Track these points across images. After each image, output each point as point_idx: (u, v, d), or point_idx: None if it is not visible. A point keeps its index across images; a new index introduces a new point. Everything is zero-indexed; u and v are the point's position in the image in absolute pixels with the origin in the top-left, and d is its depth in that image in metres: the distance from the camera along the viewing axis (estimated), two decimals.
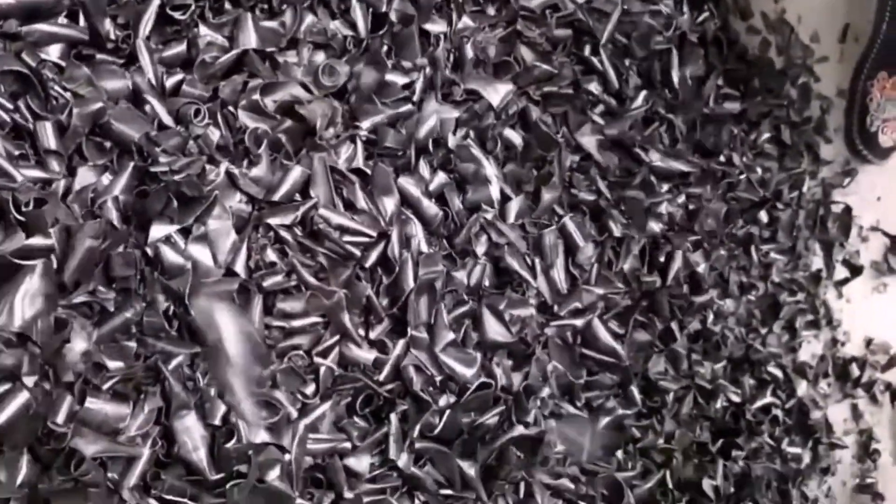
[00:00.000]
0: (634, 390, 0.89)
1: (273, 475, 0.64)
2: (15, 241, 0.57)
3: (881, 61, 1.27)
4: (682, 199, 0.97)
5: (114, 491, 0.61)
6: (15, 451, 0.58)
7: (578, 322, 0.83)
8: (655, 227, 0.90)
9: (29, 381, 0.58)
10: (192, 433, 0.62)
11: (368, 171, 0.73)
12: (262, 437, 0.64)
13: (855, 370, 1.30)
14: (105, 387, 0.61)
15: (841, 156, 1.29)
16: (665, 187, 0.94)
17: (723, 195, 1.00)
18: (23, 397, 0.57)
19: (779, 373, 1.15)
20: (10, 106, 0.61)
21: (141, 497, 0.61)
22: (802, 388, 1.20)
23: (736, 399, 1.08)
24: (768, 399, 1.12)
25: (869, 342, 1.33)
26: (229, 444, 0.62)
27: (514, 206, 0.81)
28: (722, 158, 1.00)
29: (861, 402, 1.32)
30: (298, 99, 0.70)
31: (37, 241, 0.58)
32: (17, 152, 0.61)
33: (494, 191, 0.79)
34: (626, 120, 0.91)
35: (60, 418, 0.57)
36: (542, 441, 0.79)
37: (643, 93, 0.93)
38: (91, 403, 0.60)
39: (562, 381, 0.82)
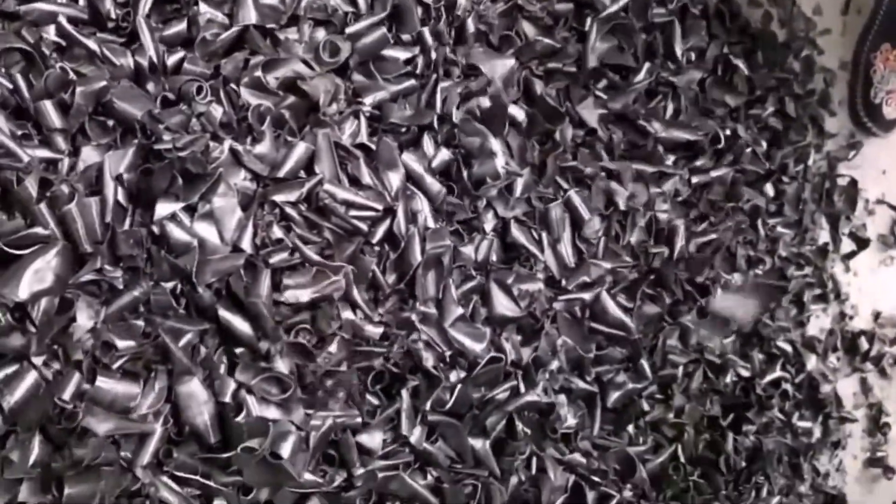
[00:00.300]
0: (645, 364, 0.88)
1: (286, 449, 0.63)
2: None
3: (884, 33, 1.26)
4: (685, 172, 0.96)
5: (127, 469, 0.60)
6: (29, 431, 0.58)
7: (587, 296, 0.83)
8: (656, 189, 0.89)
9: (37, 360, 0.58)
10: (195, 398, 0.62)
11: (373, 147, 0.73)
12: (272, 413, 0.64)
13: (864, 344, 1.29)
14: (115, 366, 0.61)
15: (846, 129, 1.28)
16: (671, 159, 0.93)
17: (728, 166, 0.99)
18: (32, 377, 0.57)
19: (788, 347, 1.15)
20: (10, 86, 0.61)
21: (154, 475, 0.61)
22: (812, 362, 1.19)
23: (745, 374, 1.08)
24: (778, 373, 1.12)
25: (877, 316, 1.33)
26: (239, 418, 0.61)
27: (521, 180, 0.80)
28: (727, 131, 0.99)
29: (870, 375, 1.32)
30: (301, 75, 0.69)
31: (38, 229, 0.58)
32: (19, 132, 0.60)
33: (500, 164, 0.78)
34: (630, 93, 0.91)
35: (67, 395, 0.57)
36: (551, 412, 0.79)
37: (646, 65, 0.92)
38: (102, 382, 0.59)
39: (571, 354, 0.82)
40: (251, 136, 0.68)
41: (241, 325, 0.63)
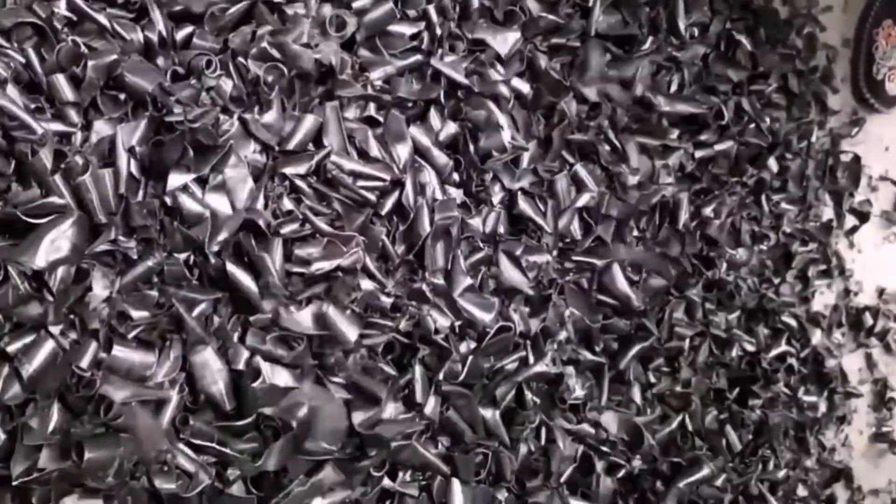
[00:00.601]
0: (649, 323, 0.89)
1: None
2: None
3: (886, 9, 1.27)
4: (689, 146, 0.97)
5: None
6: (48, 399, 0.59)
7: (599, 262, 0.84)
8: (661, 162, 0.90)
9: (55, 330, 0.59)
10: (209, 367, 0.63)
11: (381, 119, 0.73)
12: (284, 378, 0.65)
13: (868, 319, 1.30)
14: (130, 335, 0.61)
15: (848, 105, 1.29)
16: (675, 133, 0.94)
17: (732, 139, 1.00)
18: (49, 346, 0.58)
19: (793, 322, 1.16)
20: (22, 60, 0.61)
21: (171, 442, 0.62)
22: (817, 337, 1.20)
23: (751, 348, 1.08)
24: (783, 348, 1.13)
25: (881, 292, 1.33)
26: (256, 384, 0.62)
27: (526, 153, 0.81)
28: (731, 104, 1.00)
29: (875, 351, 1.33)
30: (307, 44, 0.70)
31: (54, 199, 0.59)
32: (32, 105, 0.61)
33: (506, 137, 0.79)
34: (634, 67, 0.91)
35: (85, 363, 0.58)
36: (560, 382, 0.79)
37: (649, 39, 0.93)
38: (118, 351, 0.60)
39: (579, 325, 0.83)
40: (259, 106, 0.68)
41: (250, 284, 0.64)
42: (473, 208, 0.78)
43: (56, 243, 0.57)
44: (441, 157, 0.77)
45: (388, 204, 0.72)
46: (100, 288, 0.60)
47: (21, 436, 0.58)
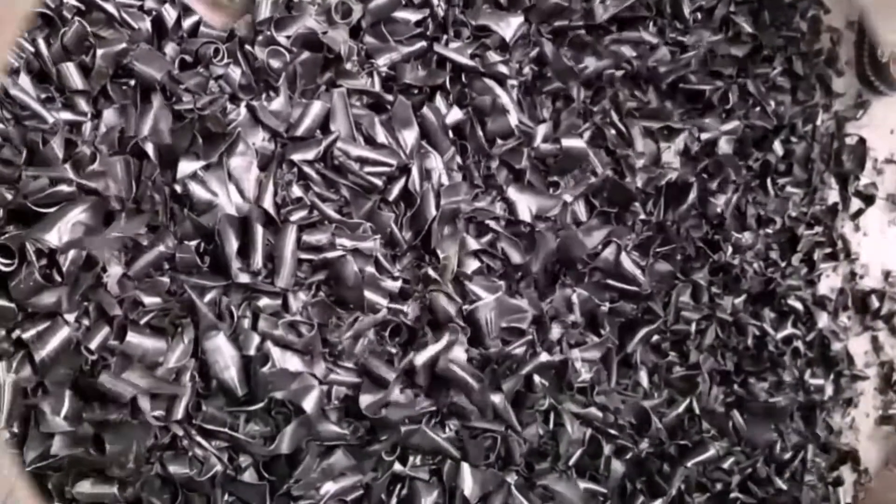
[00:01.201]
0: (656, 307, 0.89)
1: (309, 404, 0.65)
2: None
3: None
4: (695, 130, 0.97)
5: (152, 423, 0.62)
6: (62, 386, 0.59)
7: (607, 252, 0.84)
8: (665, 144, 0.90)
9: (69, 317, 0.59)
10: (222, 353, 0.63)
11: (389, 105, 0.74)
12: (295, 364, 0.66)
13: (874, 302, 1.30)
14: (142, 321, 0.62)
15: (853, 88, 1.29)
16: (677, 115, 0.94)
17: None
18: (64, 332, 0.59)
19: (799, 305, 1.16)
20: (32, 49, 0.62)
21: (185, 429, 0.63)
22: (823, 320, 1.20)
23: (757, 332, 1.09)
24: (790, 330, 1.13)
25: (887, 275, 1.33)
26: (265, 368, 0.63)
27: (541, 129, 0.81)
28: (735, 87, 1.00)
29: (881, 334, 1.33)
30: (314, 30, 0.70)
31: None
32: (43, 95, 0.61)
33: (513, 120, 0.79)
34: (638, 49, 0.91)
35: (94, 345, 0.59)
36: (566, 368, 0.80)
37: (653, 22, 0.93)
38: (132, 338, 0.61)
39: (586, 307, 0.83)
40: (266, 93, 0.69)
41: None
42: (480, 193, 0.79)
43: (70, 226, 0.57)
44: (447, 143, 0.77)
45: (396, 190, 0.72)
46: (116, 272, 0.61)
47: (35, 421, 0.59)
